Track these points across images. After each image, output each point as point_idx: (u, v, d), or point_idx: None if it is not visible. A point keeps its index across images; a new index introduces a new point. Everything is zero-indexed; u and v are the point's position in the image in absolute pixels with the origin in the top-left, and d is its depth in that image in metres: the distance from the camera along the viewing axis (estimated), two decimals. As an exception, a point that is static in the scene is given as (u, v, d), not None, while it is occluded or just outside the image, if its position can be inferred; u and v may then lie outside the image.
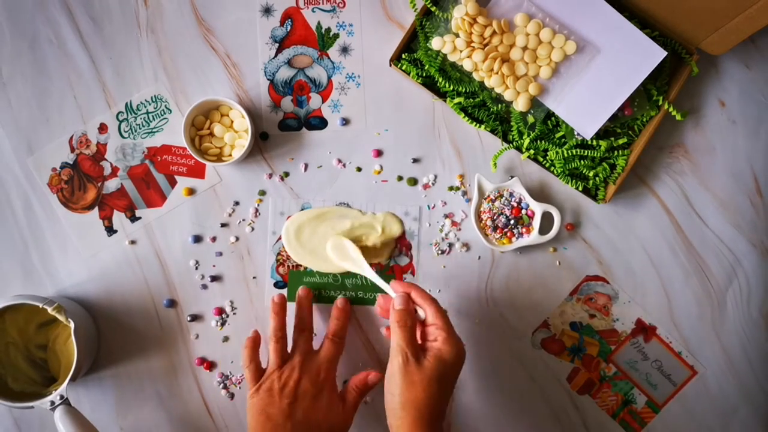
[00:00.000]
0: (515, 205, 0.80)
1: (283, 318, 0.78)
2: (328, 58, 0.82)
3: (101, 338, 0.81)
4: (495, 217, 0.80)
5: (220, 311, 0.81)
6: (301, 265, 0.81)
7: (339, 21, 0.82)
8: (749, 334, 0.82)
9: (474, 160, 0.82)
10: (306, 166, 0.82)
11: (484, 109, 0.80)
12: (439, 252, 0.82)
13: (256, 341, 0.77)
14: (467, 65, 0.77)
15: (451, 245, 0.82)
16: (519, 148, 0.79)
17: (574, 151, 0.78)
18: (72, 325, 0.73)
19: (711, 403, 0.83)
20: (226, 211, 0.81)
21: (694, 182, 0.82)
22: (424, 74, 0.79)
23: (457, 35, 0.77)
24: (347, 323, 0.80)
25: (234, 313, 0.81)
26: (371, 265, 0.80)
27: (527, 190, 0.80)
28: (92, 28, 0.81)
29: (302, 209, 0.82)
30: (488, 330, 0.82)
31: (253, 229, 0.81)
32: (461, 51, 0.77)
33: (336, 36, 0.82)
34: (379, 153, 0.82)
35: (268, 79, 0.82)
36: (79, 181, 0.81)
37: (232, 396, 0.81)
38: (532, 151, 0.79)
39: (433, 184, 0.82)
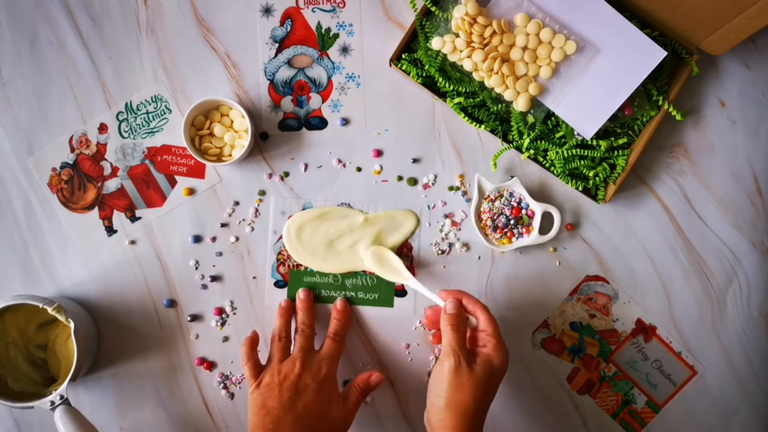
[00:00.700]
0: (515, 205, 0.80)
1: (288, 320, 0.78)
2: (328, 58, 0.82)
3: (101, 338, 0.81)
4: (495, 217, 0.80)
5: (220, 311, 0.81)
6: (301, 265, 0.81)
7: (339, 21, 0.82)
8: (749, 334, 0.82)
9: (474, 160, 0.82)
10: (306, 166, 0.82)
11: (484, 109, 0.80)
12: (439, 252, 0.82)
13: (254, 340, 0.78)
14: (467, 65, 0.77)
15: (451, 245, 0.82)
16: (519, 148, 0.79)
17: (574, 151, 0.78)
18: (72, 325, 0.73)
19: (711, 403, 0.83)
20: (226, 211, 0.81)
21: (694, 182, 0.82)
22: (424, 74, 0.79)
23: (457, 35, 0.77)
24: (348, 323, 0.80)
25: (234, 313, 0.81)
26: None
27: (527, 190, 0.80)
28: (92, 28, 0.81)
29: (303, 209, 0.82)
30: (488, 330, 0.82)
31: (253, 229, 0.81)
32: (461, 51, 0.77)
33: (336, 36, 0.82)
34: (379, 153, 0.82)
35: (268, 79, 0.82)
36: (79, 181, 0.81)
37: (232, 396, 0.81)
38: (532, 151, 0.79)
39: (433, 184, 0.82)
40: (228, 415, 0.81)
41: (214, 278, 0.81)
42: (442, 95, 0.80)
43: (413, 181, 0.82)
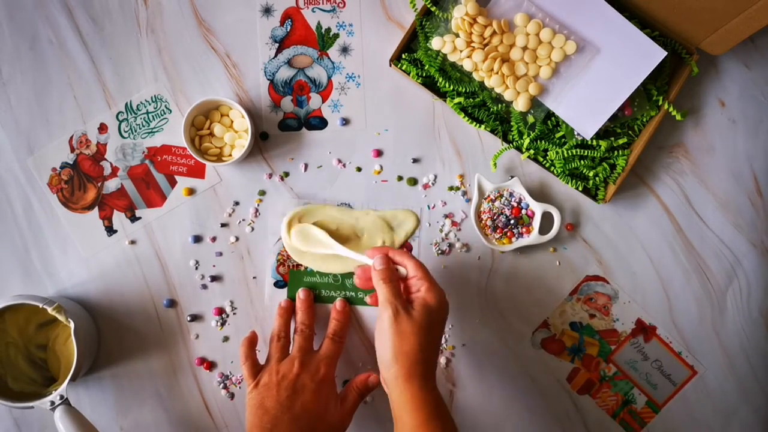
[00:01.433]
0: (515, 205, 0.80)
1: (287, 320, 0.79)
2: (328, 58, 0.82)
3: (101, 338, 0.81)
4: (495, 217, 0.80)
5: (220, 311, 0.81)
6: (301, 265, 0.81)
7: (339, 21, 0.82)
8: (749, 334, 0.82)
9: (474, 160, 0.82)
10: (306, 166, 0.82)
11: (484, 109, 0.80)
12: (439, 252, 0.82)
13: (252, 340, 0.78)
14: (467, 65, 0.77)
15: (451, 245, 0.82)
16: (519, 148, 0.79)
17: (574, 151, 0.78)
18: (72, 325, 0.73)
19: (711, 403, 0.83)
20: (226, 211, 0.81)
21: (694, 182, 0.82)
22: (424, 74, 0.79)
23: (457, 35, 0.77)
24: (347, 324, 0.80)
25: (234, 313, 0.81)
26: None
27: (527, 190, 0.80)
28: (92, 28, 0.81)
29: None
30: (488, 330, 0.82)
31: (253, 229, 0.81)
32: (461, 51, 0.77)
33: (336, 36, 0.82)
34: (379, 153, 0.82)
35: (268, 79, 0.82)
36: (79, 181, 0.81)
37: (232, 396, 0.81)
38: (532, 151, 0.79)
39: (433, 184, 0.82)
40: (228, 415, 0.81)
41: (214, 278, 0.81)
42: (442, 95, 0.80)
43: (413, 181, 0.82)
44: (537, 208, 0.80)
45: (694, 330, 0.82)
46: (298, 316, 0.79)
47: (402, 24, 0.82)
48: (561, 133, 0.79)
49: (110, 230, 0.81)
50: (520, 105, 0.78)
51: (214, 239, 0.81)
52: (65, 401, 0.73)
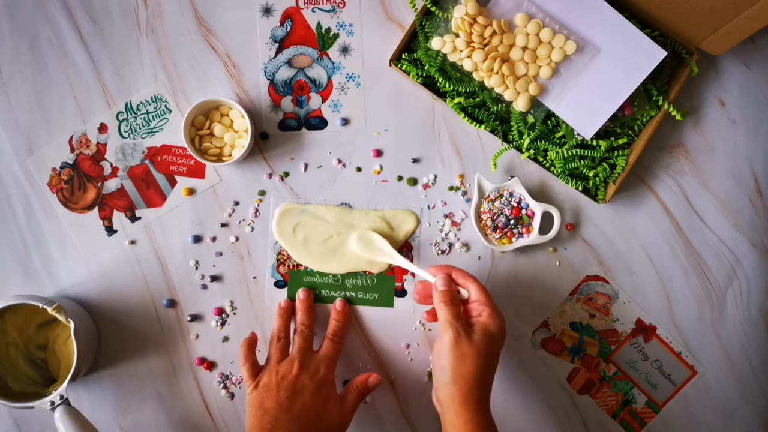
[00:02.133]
0: (515, 205, 0.80)
1: (287, 321, 0.79)
2: (328, 58, 0.82)
3: (101, 338, 0.81)
4: (495, 217, 0.80)
5: (220, 311, 0.81)
6: (301, 265, 0.81)
7: (339, 21, 0.82)
8: (749, 334, 0.82)
9: (474, 160, 0.82)
10: (306, 166, 0.82)
11: (484, 109, 0.80)
12: (439, 252, 0.82)
13: (252, 341, 0.78)
14: (467, 65, 0.77)
15: (451, 245, 0.82)
16: (519, 148, 0.79)
17: (574, 151, 0.78)
18: (72, 325, 0.73)
19: (711, 403, 0.83)
20: (226, 211, 0.81)
21: (694, 182, 0.82)
22: (424, 74, 0.79)
23: (457, 35, 0.77)
24: (347, 324, 0.80)
25: (234, 313, 0.81)
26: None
27: (527, 190, 0.80)
28: (92, 28, 0.81)
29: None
30: (488, 330, 0.82)
31: (253, 229, 0.81)
32: (461, 51, 0.77)
33: (336, 36, 0.82)
34: (379, 153, 0.82)
35: (268, 79, 0.82)
36: (79, 181, 0.81)
37: (232, 396, 0.81)
38: (532, 151, 0.79)
39: (433, 184, 0.82)
40: (228, 415, 0.81)
41: (214, 278, 0.81)
42: (442, 95, 0.80)
43: (413, 181, 0.82)
44: (537, 208, 0.80)
45: (694, 330, 0.82)
46: (298, 316, 0.79)
47: (402, 24, 0.82)
48: (561, 133, 0.79)
49: (110, 230, 0.81)
50: (520, 105, 0.78)
51: (214, 239, 0.81)
52: (65, 401, 0.73)
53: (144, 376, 0.81)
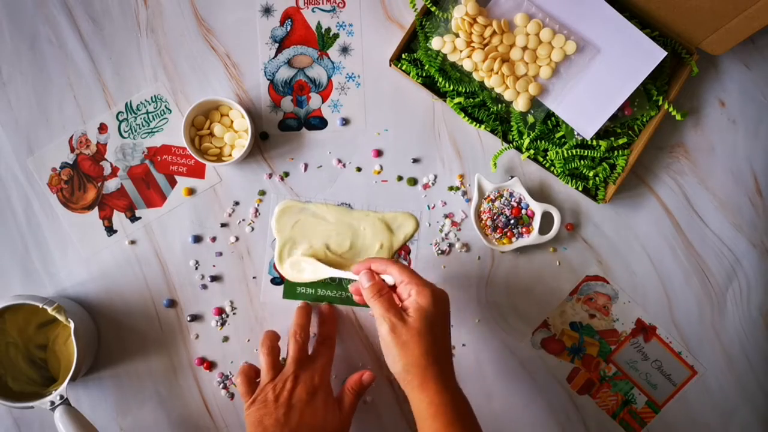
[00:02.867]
0: (515, 205, 0.80)
1: (275, 333, 0.78)
2: (328, 58, 0.82)
3: (101, 338, 0.81)
4: (495, 217, 0.80)
5: (220, 311, 0.81)
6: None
7: (339, 21, 0.82)
8: (749, 334, 0.82)
9: (474, 160, 0.82)
10: (306, 166, 0.82)
11: (484, 109, 0.80)
12: (439, 252, 0.82)
13: (250, 369, 0.77)
14: (467, 65, 0.77)
15: (451, 245, 0.82)
16: (519, 148, 0.79)
17: (574, 151, 0.78)
18: (72, 325, 0.73)
19: (711, 403, 0.83)
20: (226, 211, 0.81)
21: (694, 182, 0.82)
22: (424, 74, 0.79)
23: (457, 35, 0.77)
24: (336, 326, 0.80)
25: (234, 313, 0.81)
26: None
27: (527, 190, 0.80)
28: (92, 28, 0.81)
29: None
30: (488, 330, 0.82)
31: (253, 229, 0.81)
32: (461, 51, 0.77)
33: (336, 36, 0.82)
34: (379, 153, 0.82)
35: (268, 79, 0.82)
36: (79, 181, 0.81)
37: (232, 396, 0.81)
38: (532, 151, 0.79)
39: (433, 184, 0.82)
40: (228, 415, 0.81)
41: (214, 278, 0.81)
42: (442, 95, 0.80)
43: (413, 181, 0.82)
44: (537, 208, 0.80)
45: (694, 330, 0.82)
46: (295, 320, 0.78)
47: (402, 24, 0.82)
48: (561, 133, 0.79)
49: (110, 230, 0.81)
50: (520, 105, 0.78)
51: (214, 239, 0.81)
52: (65, 401, 0.73)
53: (144, 376, 0.81)
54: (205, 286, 0.81)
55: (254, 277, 0.81)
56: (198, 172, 0.82)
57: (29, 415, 0.81)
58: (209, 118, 0.79)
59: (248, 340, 0.81)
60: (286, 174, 0.82)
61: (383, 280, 0.71)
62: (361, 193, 0.82)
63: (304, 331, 0.78)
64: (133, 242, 0.81)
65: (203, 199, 0.81)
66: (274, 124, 0.82)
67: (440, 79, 0.78)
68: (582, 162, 0.79)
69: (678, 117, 0.79)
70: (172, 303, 0.81)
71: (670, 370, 0.83)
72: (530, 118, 0.79)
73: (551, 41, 0.77)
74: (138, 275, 0.81)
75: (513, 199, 0.81)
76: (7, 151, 0.81)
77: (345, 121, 0.82)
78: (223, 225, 0.81)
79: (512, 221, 0.80)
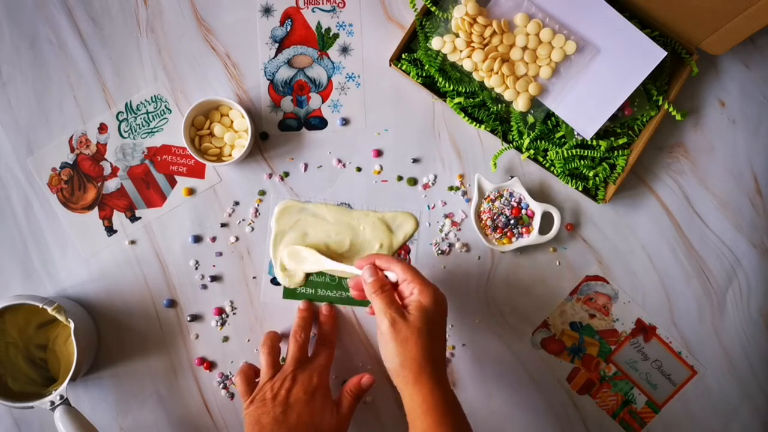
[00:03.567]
0: (515, 205, 0.80)
1: (276, 333, 0.78)
2: (328, 58, 0.82)
3: (101, 338, 0.81)
4: (495, 217, 0.80)
5: (220, 311, 0.81)
6: (300, 265, 0.82)
7: (339, 21, 0.82)
8: (749, 334, 0.82)
9: (474, 160, 0.82)
10: (306, 166, 0.82)
11: (484, 109, 0.80)
12: (439, 252, 0.82)
13: (249, 368, 0.77)
14: (467, 65, 0.77)
15: (451, 245, 0.82)
16: (519, 148, 0.79)
17: (574, 151, 0.78)
18: (72, 325, 0.73)
19: (711, 403, 0.83)
20: (226, 211, 0.81)
21: (694, 182, 0.82)
22: (424, 74, 0.79)
23: (457, 35, 0.77)
24: (336, 327, 0.80)
25: (234, 313, 0.81)
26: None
27: (527, 190, 0.80)
28: (92, 28, 0.81)
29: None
30: (488, 330, 0.82)
31: (253, 229, 0.81)
32: (461, 51, 0.77)
33: (336, 36, 0.82)
34: (379, 153, 0.82)
35: (268, 79, 0.82)
36: (79, 181, 0.81)
37: (232, 396, 0.81)
38: (532, 151, 0.79)
39: (433, 184, 0.82)
40: (228, 415, 0.81)
41: (214, 278, 0.81)
42: (442, 95, 0.80)
43: (413, 181, 0.82)
44: (537, 208, 0.80)
45: (694, 330, 0.82)
46: (296, 321, 0.79)
47: (402, 24, 0.82)
48: (561, 133, 0.79)
49: (110, 230, 0.81)
50: (520, 105, 0.78)
51: (214, 239, 0.81)
52: (65, 401, 0.73)
53: (144, 376, 0.81)
54: (205, 286, 0.81)
55: (254, 277, 0.81)
56: (198, 172, 0.82)
57: (29, 415, 0.81)
58: (209, 118, 0.79)
59: (248, 340, 0.81)
60: (286, 174, 0.82)
61: (386, 277, 0.72)
62: (360, 193, 0.82)
63: (304, 331, 0.78)
64: (133, 242, 0.81)
65: (203, 199, 0.81)
66: (274, 124, 0.82)
67: (440, 79, 0.78)
68: (582, 162, 0.79)
69: (678, 117, 0.79)
70: (172, 303, 0.81)
71: (670, 370, 0.83)
72: (530, 118, 0.79)
73: (551, 41, 0.77)
74: (138, 275, 0.81)
75: (513, 199, 0.81)
76: (7, 151, 0.81)
77: (345, 121, 0.82)
78: (223, 225, 0.81)
79: (512, 221, 0.80)
